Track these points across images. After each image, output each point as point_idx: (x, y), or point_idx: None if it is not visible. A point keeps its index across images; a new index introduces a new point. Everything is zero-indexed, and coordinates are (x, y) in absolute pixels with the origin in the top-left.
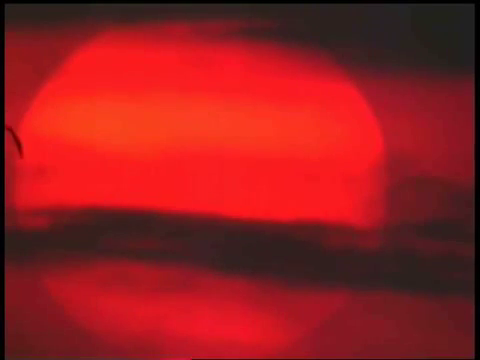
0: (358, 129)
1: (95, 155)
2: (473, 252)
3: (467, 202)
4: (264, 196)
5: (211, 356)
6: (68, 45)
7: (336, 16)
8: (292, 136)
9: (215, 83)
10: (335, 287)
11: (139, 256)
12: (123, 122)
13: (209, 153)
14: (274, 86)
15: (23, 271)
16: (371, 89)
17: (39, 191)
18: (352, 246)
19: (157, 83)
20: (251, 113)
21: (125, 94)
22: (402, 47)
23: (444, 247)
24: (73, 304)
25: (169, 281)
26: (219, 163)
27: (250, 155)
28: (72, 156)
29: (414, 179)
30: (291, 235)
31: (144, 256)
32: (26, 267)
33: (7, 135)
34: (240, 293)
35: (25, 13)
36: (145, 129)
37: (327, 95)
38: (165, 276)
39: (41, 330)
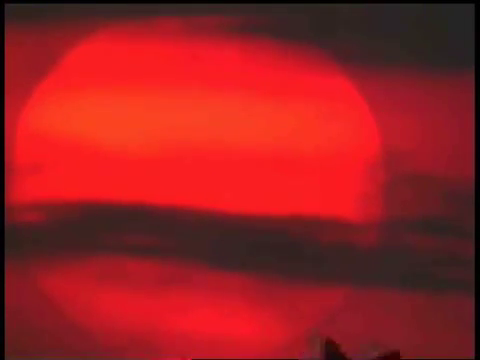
0: (355, 125)
1: (91, 151)
2: (473, 249)
3: (464, 199)
4: (260, 191)
5: (209, 352)
6: (64, 43)
7: (332, 13)
8: (288, 132)
9: (209, 79)
10: (333, 283)
11: (136, 252)
12: (119, 118)
13: (205, 148)
14: (269, 82)
15: (18, 266)
16: (368, 86)
17: (35, 187)
18: (348, 242)
19: (152, 79)
20: (246, 109)
21: (120, 90)
22: (402, 46)
23: (440, 244)
24: (68, 300)
25: (166, 277)
26: (215, 158)
27: (246, 150)
28: (68, 152)
29: (411, 176)
30: (287, 230)
31: (141, 252)
32: (21, 262)
33: None
34: (237, 288)
35: (19, 12)
36: (141, 125)
37: (323, 92)
38: (162, 272)
39: (36, 327)
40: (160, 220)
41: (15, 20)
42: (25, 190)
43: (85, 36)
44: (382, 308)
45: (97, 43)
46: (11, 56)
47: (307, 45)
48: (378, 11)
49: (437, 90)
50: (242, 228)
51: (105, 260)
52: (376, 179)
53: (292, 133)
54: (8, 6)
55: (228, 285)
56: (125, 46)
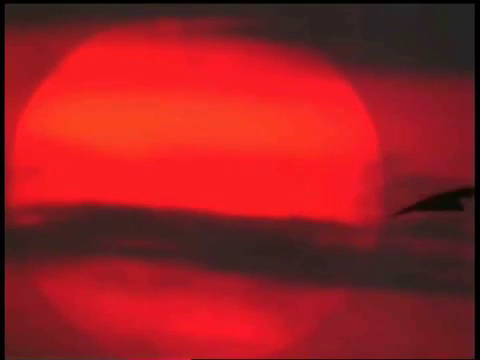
0: (353, 128)
1: (90, 153)
2: (472, 251)
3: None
4: (259, 194)
5: (208, 354)
6: (63, 45)
7: (331, 15)
8: (286, 134)
9: (208, 81)
10: (331, 285)
11: (134, 254)
12: (117, 121)
13: (204, 151)
14: (268, 84)
15: (17, 268)
16: (366, 88)
17: (34, 189)
18: (347, 244)
19: (151, 81)
20: (244, 111)
21: (119, 93)
22: (401, 46)
23: (439, 246)
24: (67, 302)
25: (164, 279)
26: (213, 161)
27: (245, 153)
28: (68, 155)
29: (409, 178)
30: (285, 233)
31: (139, 254)
32: (20, 264)
33: None
34: (236, 291)
35: (19, 12)
36: (139, 127)
37: (321, 94)
38: (160, 274)
39: (36, 329)
40: (159, 222)
41: (15, 21)
42: (24, 192)
43: (85, 38)
44: (381, 310)
45: (97, 45)
46: (11, 57)
47: (306, 47)
48: (377, 12)
49: (436, 92)
50: (241, 230)
51: (104, 262)
52: (375, 181)
53: (290, 136)
54: (8, 6)
55: (227, 287)
56: (125, 49)
